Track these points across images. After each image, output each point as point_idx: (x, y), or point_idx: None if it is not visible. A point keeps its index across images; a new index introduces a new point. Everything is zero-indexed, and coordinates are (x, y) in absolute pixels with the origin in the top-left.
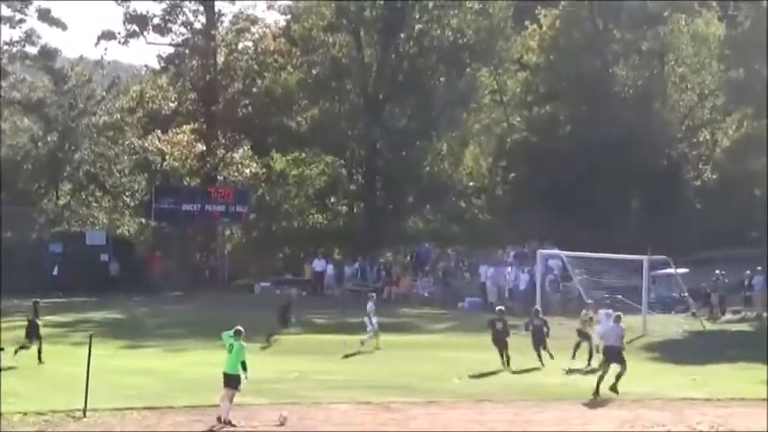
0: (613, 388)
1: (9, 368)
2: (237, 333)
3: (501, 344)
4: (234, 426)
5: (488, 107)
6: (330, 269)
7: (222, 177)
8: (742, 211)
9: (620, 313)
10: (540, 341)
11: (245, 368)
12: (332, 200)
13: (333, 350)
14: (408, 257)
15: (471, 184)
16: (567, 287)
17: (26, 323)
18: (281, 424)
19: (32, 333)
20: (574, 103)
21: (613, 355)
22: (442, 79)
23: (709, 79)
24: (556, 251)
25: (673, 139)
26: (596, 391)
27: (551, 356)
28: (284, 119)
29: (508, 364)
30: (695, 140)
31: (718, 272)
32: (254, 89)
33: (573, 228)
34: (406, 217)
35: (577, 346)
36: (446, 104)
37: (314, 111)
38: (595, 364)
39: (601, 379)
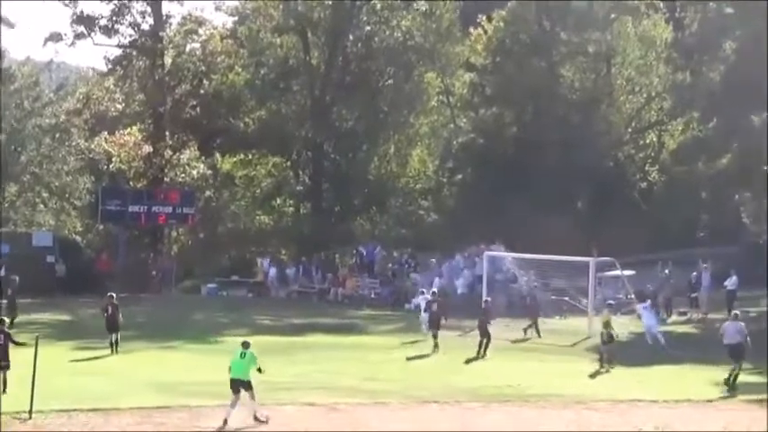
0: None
1: None
2: (246, 345)
3: (434, 324)
4: (263, 420)
5: (435, 109)
6: (273, 271)
7: (169, 179)
8: (688, 212)
9: (737, 312)
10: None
11: (260, 371)
12: (278, 201)
13: (278, 351)
14: (355, 259)
15: (418, 185)
16: (512, 289)
17: None
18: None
19: None
20: (520, 105)
21: (738, 351)
22: (389, 81)
23: (656, 81)
24: (502, 253)
25: (619, 141)
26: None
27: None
28: (231, 120)
29: (436, 347)
30: (642, 143)
31: (665, 272)
32: (202, 90)
33: (519, 229)
34: (353, 218)
35: (603, 355)
36: (393, 106)
37: (261, 112)
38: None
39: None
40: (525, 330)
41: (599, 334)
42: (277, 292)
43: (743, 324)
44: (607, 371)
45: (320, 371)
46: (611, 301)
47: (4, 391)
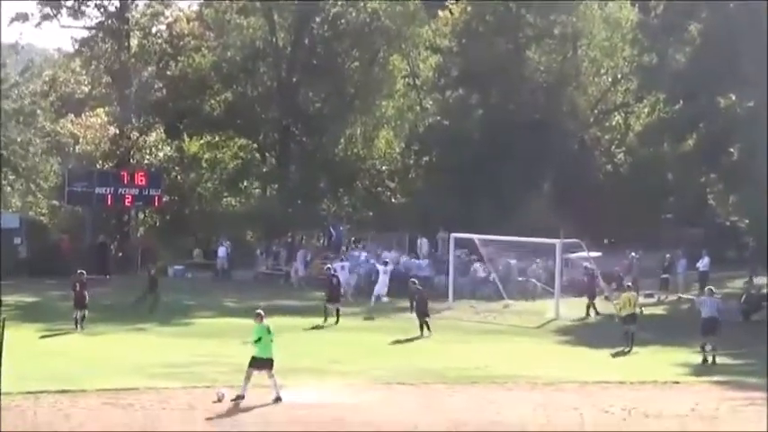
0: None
1: None
2: (258, 316)
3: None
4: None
5: (401, 91)
6: (222, 252)
7: (135, 161)
8: (655, 194)
9: (711, 287)
10: (423, 310)
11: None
12: (245, 183)
13: (242, 334)
14: (323, 240)
15: (384, 167)
16: (476, 270)
17: None
18: (219, 401)
19: None
20: (486, 88)
21: (713, 326)
22: (355, 63)
23: (622, 63)
24: (468, 234)
25: (585, 123)
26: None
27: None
28: (198, 102)
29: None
30: (608, 124)
31: (632, 255)
32: (168, 72)
33: (485, 211)
34: (320, 200)
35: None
36: (360, 88)
37: (227, 94)
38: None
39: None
40: (588, 309)
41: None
42: (231, 275)
43: (719, 300)
44: (627, 352)
45: (285, 353)
46: (629, 283)
47: None
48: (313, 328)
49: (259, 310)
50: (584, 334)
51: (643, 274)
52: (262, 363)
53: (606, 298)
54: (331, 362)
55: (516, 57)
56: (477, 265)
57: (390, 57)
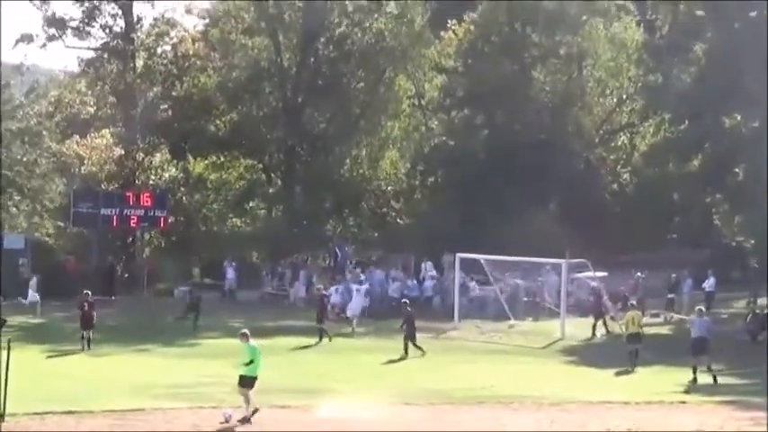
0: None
1: None
2: (244, 336)
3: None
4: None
5: (407, 112)
6: (231, 273)
7: (141, 182)
8: (660, 214)
9: (701, 307)
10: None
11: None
12: (250, 204)
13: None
14: (328, 260)
15: (390, 188)
16: (484, 290)
17: None
18: (226, 422)
19: None
20: (491, 108)
21: (702, 346)
22: (361, 84)
23: (627, 84)
24: (473, 255)
25: (591, 143)
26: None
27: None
28: (203, 123)
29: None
30: (613, 144)
31: (638, 275)
32: (173, 93)
33: (491, 231)
34: (325, 221)
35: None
36: (365, 109)
37: (232, 114)
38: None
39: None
40: (594, 329)
41: (625, 334)
42: (237, 296)
43: (709, 319)
44: (631, 371)
45: (292, 373)
46: (634, 302)
47: None
48: (303, 347)
49: (244, 330)
50: (589, 354)
51: (649, 294)
52: (252, 381)
53: (612, 318)
54: (335, 382)
55: (521, 77)
56: (473, 284)
57: (396, 77)
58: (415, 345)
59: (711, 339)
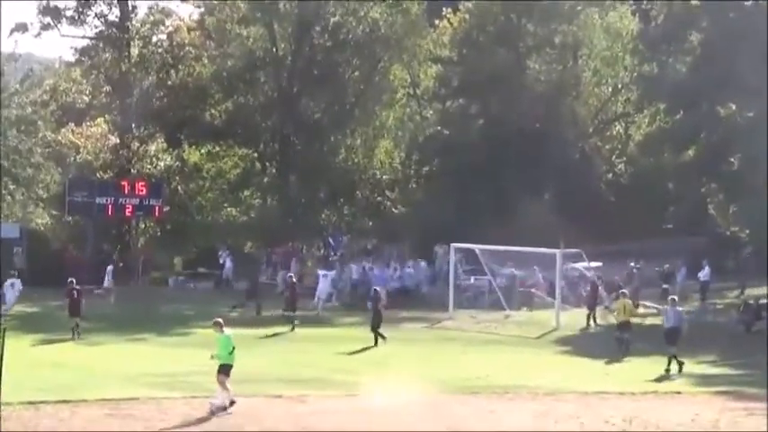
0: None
1: None
2: (218, 325)
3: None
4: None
5: (402, 101)
6: (229, 264)
7: (136, 170)
8: (655, 204)
9: (674, 297)
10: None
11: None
12: (245, 193)
13: (243, 344)
14: (323, 250)
15: (385, 177)
16: (479, 280)
17: None
18: (212, 413)
19: None
20: (486, 97)
21: (674, 335)
22: (356, 73)
23: (623, 73)
24: (468, 245)
25: (586, 133)
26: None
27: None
28: (198, 111)
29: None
30: (608, 134)
31: (632, 264)
32: (169, 82)
33: (486, 220)
34: (320, 210)
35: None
36: (360, 98)
37: (228, 104)
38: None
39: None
40: (588, 318)
41: (617, 323)
42: (235, 284)
43: (681, 310)
44: (621, 359)
45: (287, 362)
46: (624, 290)
47: None
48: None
49: (218, 319)
50: (584, 344)
51: (644, 284)
52: (229, 368)
53: (606, 308)
54: (332, 371)
55: (516, 66)
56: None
57: (391, 67)
58: (377, 333)
59: (699, 329)
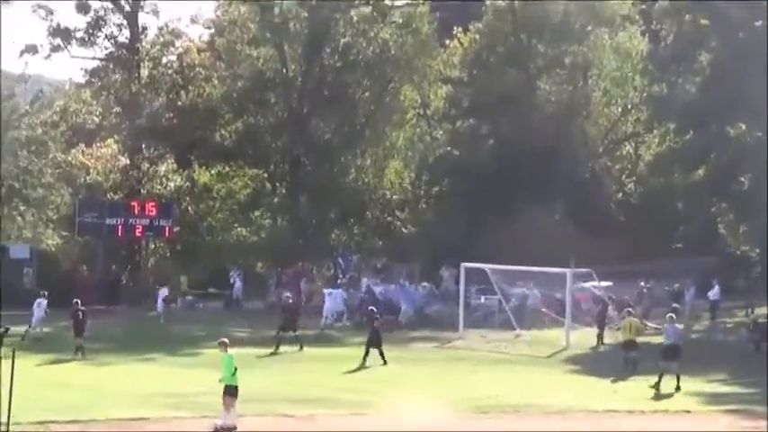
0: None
1: None
2: (223, 345)
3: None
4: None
5: (412, 121)
6: (239, 284)
7: (146, 191)
8: (665, 223)
9: (673, 314)
10: (377, 342)
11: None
12: (255, 213)
13: (253, 363)
14: (333, 270)
15: (395, 197)
16: (489, 300)
17: None
18: None
19: None
20: (497, 117)
21: (673, 352)
22: (366, 93)
23: (632, 93)
24: (479, 264)
25: (596, 153)
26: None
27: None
28: (208, 132)
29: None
30: (618, 154)
31: (642, 284)
32: (179, 102)
33: (496, 240)
34: (330, 230)
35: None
36: (370, 118)
37: (238, 124)
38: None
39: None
40: (598, 338)
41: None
42: (243, 305)
43: (680, 326)
44: (626, 378)
45: (292, 382)
46: (630, 309)
47: None
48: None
49: (224, 339)
50: (594, 363)
51: (654, 303)
52: (235, 390)
53: (617, 328)
54: (341, 390)
55: (527, 86)
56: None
57: (401, 87)
58: (368, 353)
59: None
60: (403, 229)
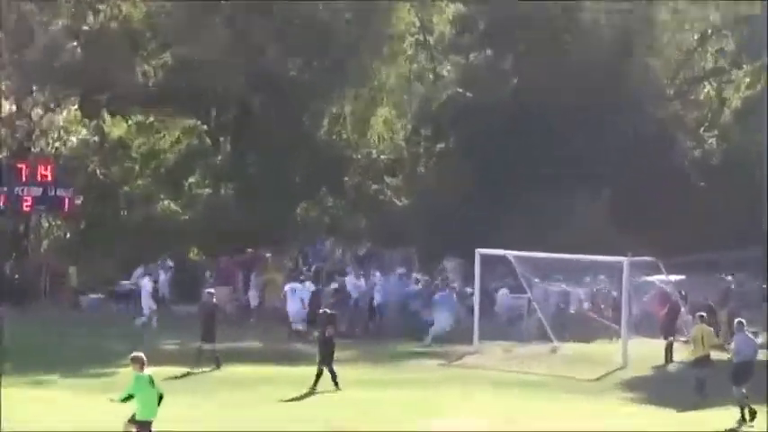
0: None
1: None
2: (136, 361)
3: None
4: None
5: (408, 53)
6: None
7: (39, 148)
8: (757, 193)
9: (742, 320)
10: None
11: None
12: (190, 180)
13: (185, 387)
14: (298, 262)
15: (383, 157)
16: (515, 300)
17: None
18: None
19: None
20: (525, 48)
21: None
22: (347, 14)
23: (715, 15)
24: (499, 251)
25: (662, 97)
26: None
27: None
28: (124, 68)
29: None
30: (693, 98)
31: (728, 279)
32: (85, 27)
33: (519, 219)
34: (293, 203)
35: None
36: (351, 50)
37: (166, 56)
38: None
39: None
40: (666, 352)
41: (693, 359)
42: (170, 307)
43: (751, 336)
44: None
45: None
46: (703, 313)
47: None
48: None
49: (139, 353)
50: (658, 388)
51: (744, 304)
52: (144, 426)
53: (686, 340)
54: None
55: (565, 4)
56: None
57: (394, 6)
58: (322, 371)
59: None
60: (395, 201)
